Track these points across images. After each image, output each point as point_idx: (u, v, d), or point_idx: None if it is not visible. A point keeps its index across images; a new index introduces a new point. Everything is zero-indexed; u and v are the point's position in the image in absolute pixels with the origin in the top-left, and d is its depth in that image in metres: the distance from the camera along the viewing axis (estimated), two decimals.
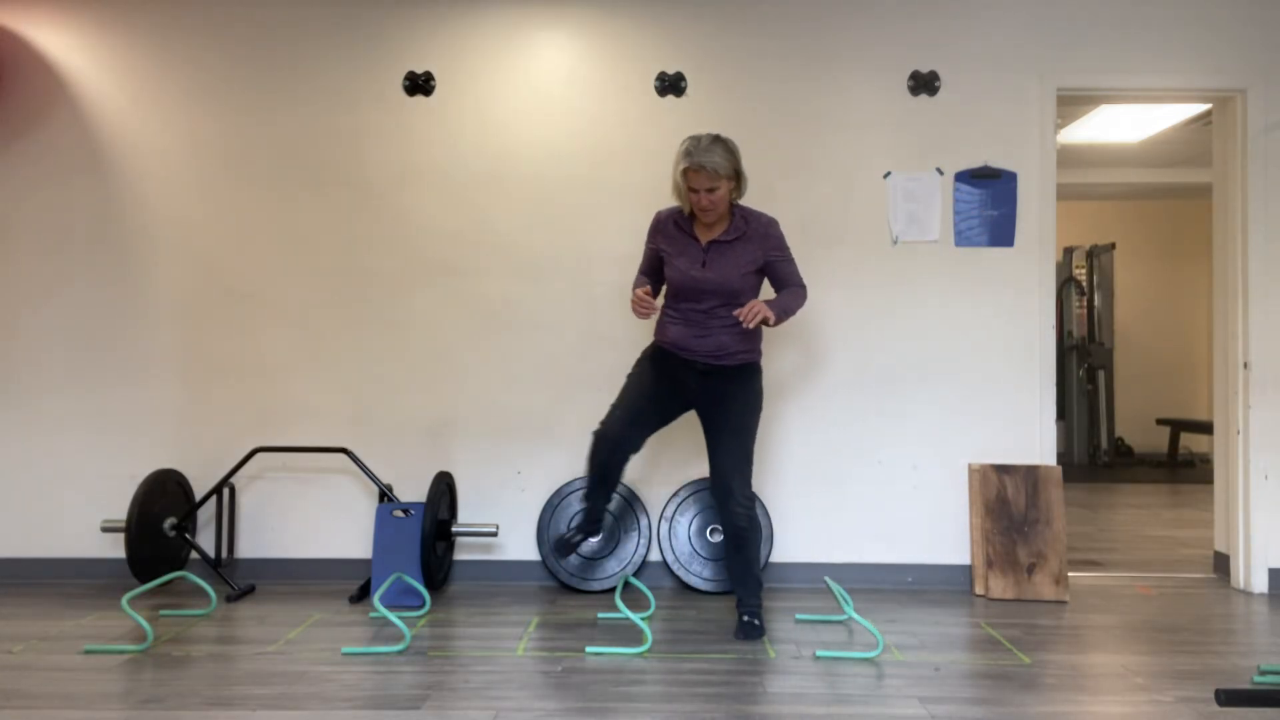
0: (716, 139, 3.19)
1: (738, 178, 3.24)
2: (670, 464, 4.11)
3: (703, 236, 3.29)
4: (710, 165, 3.11)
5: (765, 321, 3.14)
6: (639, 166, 4.13)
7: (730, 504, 3.29)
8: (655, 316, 3.32)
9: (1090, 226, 9.51)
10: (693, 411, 3.45)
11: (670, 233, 3.34)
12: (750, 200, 4.11)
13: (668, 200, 4.13)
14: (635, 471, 4.11)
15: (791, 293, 3.34)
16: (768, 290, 3.41)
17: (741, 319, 3.10)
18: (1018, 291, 4.09)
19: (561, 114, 4.15)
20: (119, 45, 4.18)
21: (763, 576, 3.50)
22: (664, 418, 3.47)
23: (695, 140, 3.17)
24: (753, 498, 3.36)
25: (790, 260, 3.37)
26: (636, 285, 3.36)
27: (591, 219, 4.14)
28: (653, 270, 3.43)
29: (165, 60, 4.17)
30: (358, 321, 4.14)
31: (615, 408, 3.41)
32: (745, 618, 3.34)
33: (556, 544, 3.59)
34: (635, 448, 3.44)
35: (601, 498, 3.52)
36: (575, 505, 4.03)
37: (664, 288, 3.43)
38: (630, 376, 3.45)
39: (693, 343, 3.28)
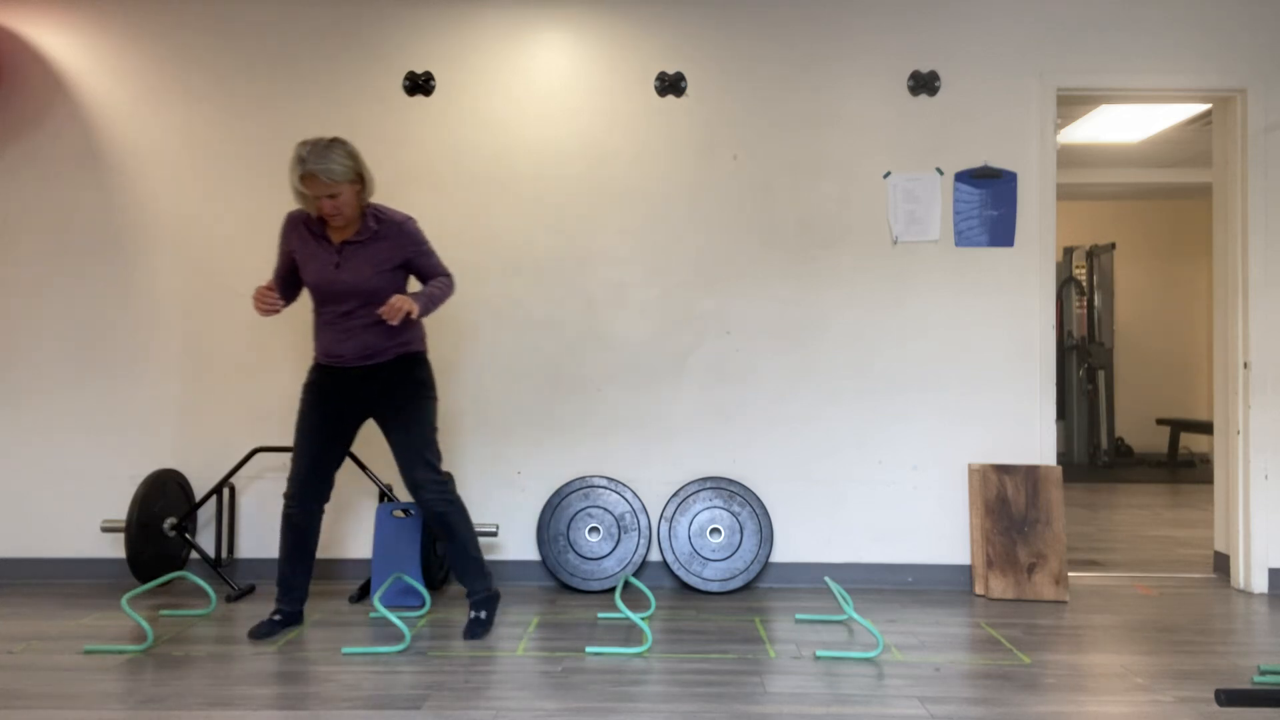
0: (332, 143, 3.09)
1: (363, 180, 3.18)
2: (670, 464, 4.11)
3: (335, 238, 3.22)
4: (324, 172, 3.04)
5: (412, 315, 3.10)
6: (639, 166, 4.13)
7: (422, 494, 3.25)
8: (280, 311, 3.22)
9: (1090, 226, 9.52)
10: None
11: (302, 235, 3.25)
12: (750, 200, 4.13)
13: (668, 201, 4.15)
14: (635, 471, 4.11)
15: (436, 283, 3.29)
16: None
17: (385, 316, 3.05)
18: (1018, 291, 4.09)
19: (561, 114, 4.15)
20: (119, 45, 4.18)
21: (483, 556, 3.39)
22: (344, 442, 3.35)
23: (309, 146, 3.07)
24: (443, 480, 3.29)
25: (430, 254, 3.32)
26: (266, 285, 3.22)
27: (591, 219, 4.14)
28: (288, 272, 3.33)
29: (165, 60, 4.17)
30: None
31: (295, 461, 3.29)
32: (473, 613, 3.32)
33: (255, 630, 3.24)
34: (325, 497, 3.34)
35: (302, 569, 3.34)
36: (576, 505, 4.03)
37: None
38: (298, 420, 3.30)
39: (340, 347, 3.23)
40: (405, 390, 3.30)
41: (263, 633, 3.24)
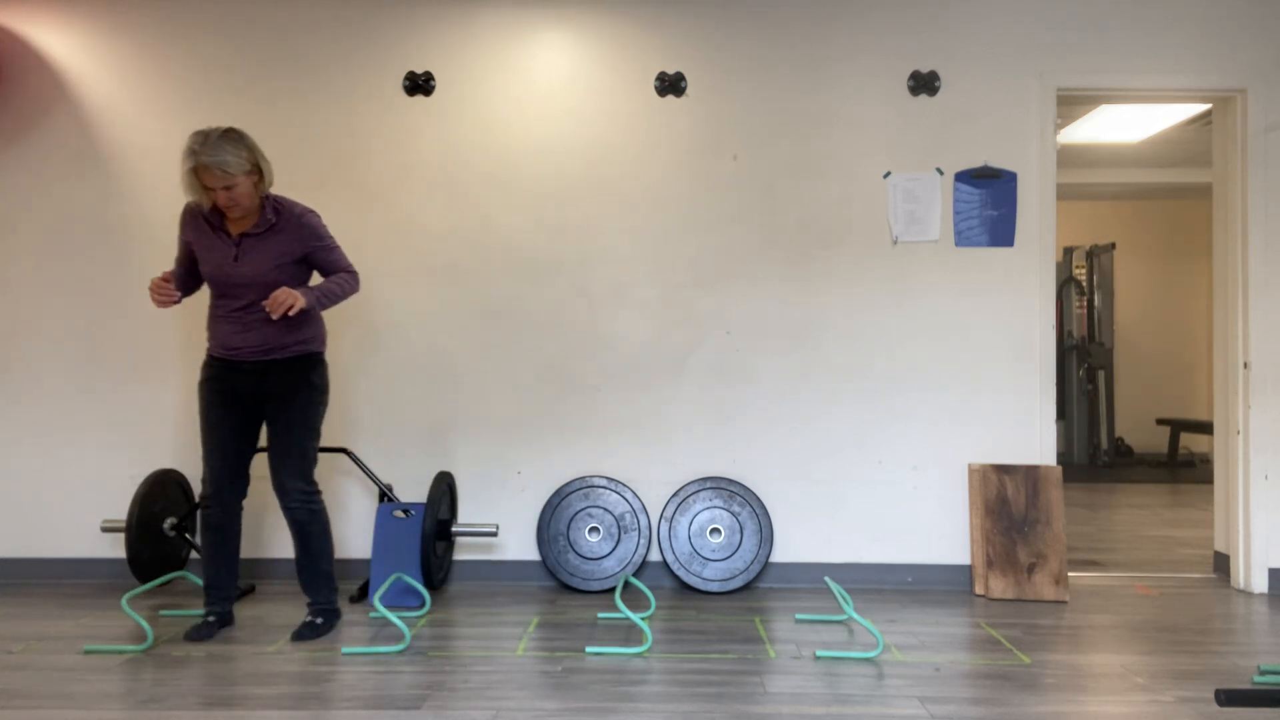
0: (226, 134, 3.05)
1: (260, 171, 3.15)
2: (670, 464, 4.11)
3: (233, 230, 3.18)
4: (217, 164, 2.99)
5: (293, 309, 3.04)
6: (639, 166, 4.13)
7: (286, 500, 3.22)
8: (179, 305, 3.21)
9: (1090, 226, 9.52)
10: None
11: (199, 226, 3.20)
12: (750, 199, 4.13)
13: (668, 201, 4.14)
14: (635, 471, 4.11)
15: (335, 279, 3.26)
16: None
17: (268, 309, 3.03)
18: (1018, 291, 4.09)
19: (561, 114, 4.15)
20: (119, 45, 4.18)
21: (334, 572, 3.38)
22: (251, 435, 3.30)
23: (201, 136, 3.02)
24: (312, 490, 3.27)
25: (332, 249, 3.29)
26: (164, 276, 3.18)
27: (591, 219, 4.14)
28: (187, 264, 3.29)
29: (165, 60, 4.17)
30: (358, 321, 4.14)
31: (206, 461, 3.25)
32: (309, 616, 3.30)
33: (191, 633, 3.21)
34: (243, 492, 3.30)
35: (228, 569, 3.31)
36: (576, 505, 4.03)
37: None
38: (201, 420, 3.26)
39: (236, 340, 3.19)
40: (296, 391, 3.25)
41: (200, 636, 3.20)
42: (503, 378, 4.14)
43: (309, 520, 3.28)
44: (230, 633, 3.31)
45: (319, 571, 3.34)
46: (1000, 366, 4.09)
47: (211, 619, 3.28)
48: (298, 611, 3.56)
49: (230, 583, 3.34)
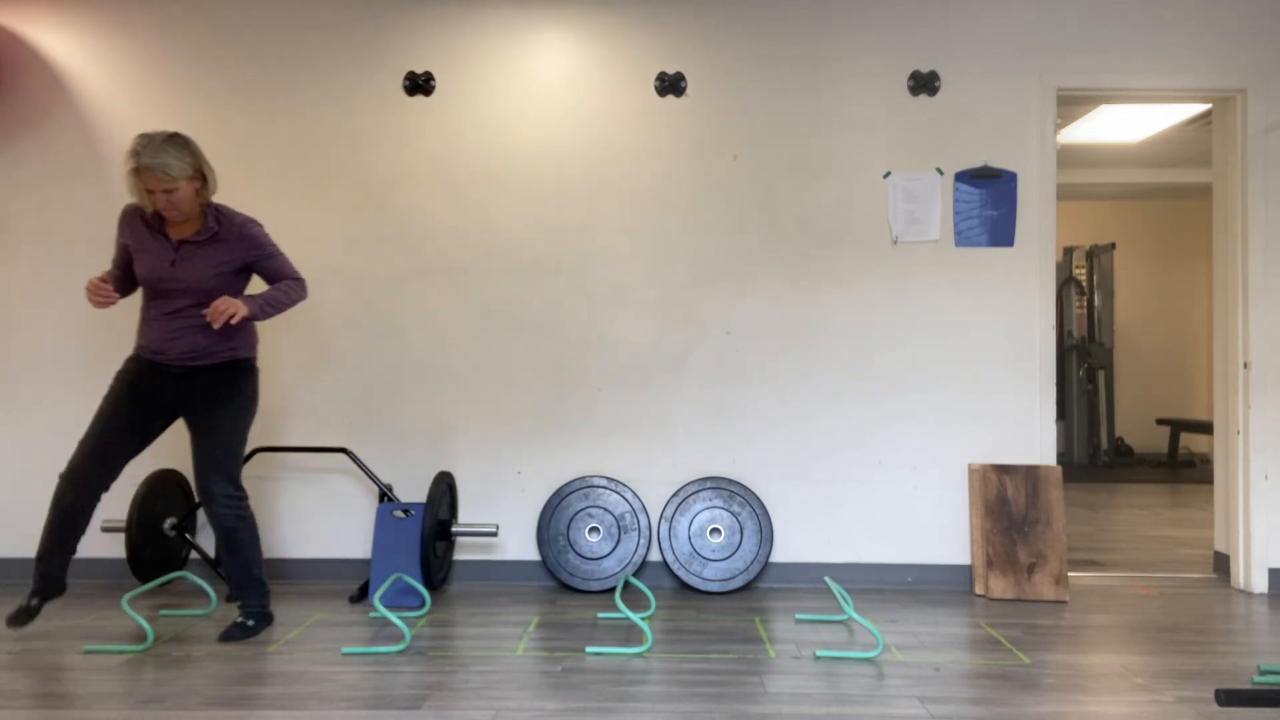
0: (171, 138, 3.05)
1: (203, 177, 3.15)
2: (670, 464, 4.11)
3: (173, 235, 3.17)
4: (159, 166, 2.99)
5: (234, 318, 3.04)
6: (639, 166, 4.13)
7: (214, 506, 3.18)
8: (115, 305, 3.18)
9: (1090, 226, 9.52)
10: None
11: (138, 228, 3.19)
12: (750, 199, 4.13)
13: (668, 201, 4.15)
14: (635, 471, 4.11)
15: (280, 286, 3.26)
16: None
17: (208, 318, 3.02)
18: (1018, 291, 4.09)
19: (561, 114, 4.15)
20: (119, 45, 4.18)
21: (265, 576, 3.35)
22: (144, 437, 3.27)
23: (145, 139, 3.03)
24: (239, 496, 3.23)
25: (275, 256, 3.28)
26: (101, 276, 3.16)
27: (591, 219, 4.14)
28: (124, 265, 3.27)
29: (165, 60, 4.17)
30: (357, 321, 4.14)
31: (83, 443, 3.17)
32: (240, 618, 3.27)
33: (14, 614, 3.14)
34: (105, 486, 3.21)
35: (59, 551, 3.20)
36: (576, 505, 4.03)
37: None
38: (103, 404, 3.22)
39: (166, 345, 3.17)
40: (224, 396, 3.23)
41: (22, 619, 3.16)
42: (503, 378, 4.14)
43: (237, 525, 3.23)
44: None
45: (250, 577, 3.30)
46: (1000, 366, 4.09)
47: (35, 602, 3.19)
48: (299, 611, 3.57)
49: (63, 569, 3.24)
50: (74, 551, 3.26)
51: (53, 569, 3.23)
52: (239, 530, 3.25)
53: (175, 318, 3.18)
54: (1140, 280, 9.65)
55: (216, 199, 3.24)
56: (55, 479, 4.10)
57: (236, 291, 3.24)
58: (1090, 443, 8.79)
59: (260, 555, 3.34)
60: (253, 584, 3.31)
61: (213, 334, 3.19)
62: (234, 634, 3.23)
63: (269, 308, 3.20)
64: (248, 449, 4.00)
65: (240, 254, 3.22)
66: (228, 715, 2.54)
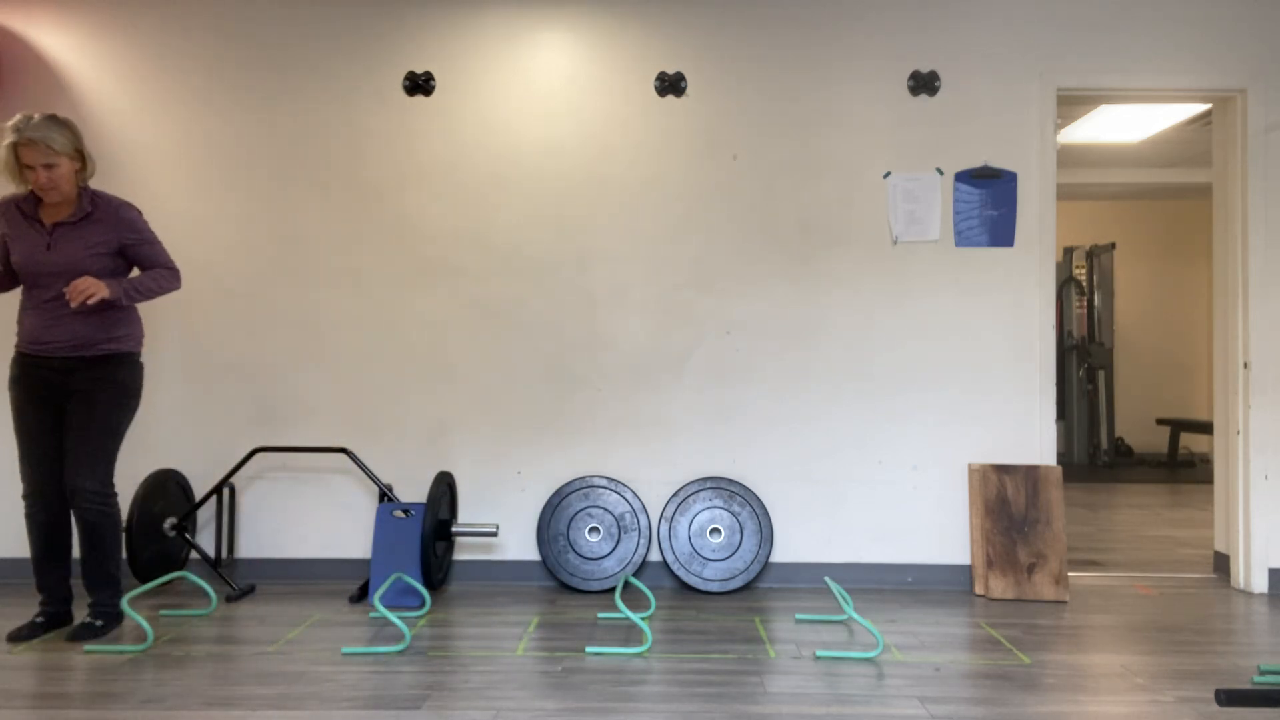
0: (52, 117, 3.10)
1: (83, 159, 3.17)
2: (670, 464, 4.11)
3: (48, 219, 3.17)
4: (42, 139, 3.02)
5: (93, 298, 3.00)
6: (639, 166, 4.13)
7: (78, 501, 3.15)
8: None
9: (1090, 226, 9.52)
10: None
11: (12, 216, 3.18)
12: (750, 199, 4.13)
13: (668, 201, 4.15)
14: (635, 471, 4.11)
15: (151, 274, 3.25)
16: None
17: (68, 295, 2.99)
18: (1018, 291, 4.09)
19: (561, 114, 4.15)
20: (119, 45, 4.18)
21: (120, 576, 3.32)
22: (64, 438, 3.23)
23: (26, 117, 3.06)
24: (105, 493, 3.19)
25: (151, 243, 3.29)
26: None
27: (591, 219, 4.14)
28: (4, 260, 3.24)
29: (165, 60, 4.17)
30: (358, 321, 4.14)
31: (22, 460, 3.21)
32: (90, 618, 3.23)
33: (15, 633, 3.18)
34: (64, 489, 3.21)
35: (57, 568, 3.26)
36: (576, 505, 4.03)
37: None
38: (15, 420, 3.22)
39: (45, 334, 3.15)
40: (101, 390, 3.20)
41: (23, 635, 3.18)
42: (503, 378, 4.14)
43: (100, 522, 3.20)
44: (231, 633, 3.31)
45: (104, 573, 3.27)
46: (1000, 366, 4.09)
47: (40, 619, 3.24)
48: (300, 611, 3.56)
49: (62, 581, 3.28)
50: (68, 562, 3.28)
51: (52, 585, 3.27)
52: (102, 527, 3.21)
53: (53, 304, 3.16)
54: (1140, 280, 9.65)
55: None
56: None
57: (111, 277, 3.21)
58: (1090, 443, 8.79)
59: (119, 554, 3.30)
60: (106, 581, 3.28)
61: (93, 322, 3.17)
62: (82, 634, 3.19)
63: (135, 293, 3.19)
64: (250, 448, 4.02)
65: (115, 236, 3.21)
66: (228, 715, 2.54)
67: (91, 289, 3.02)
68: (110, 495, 3.23)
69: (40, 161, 3.06)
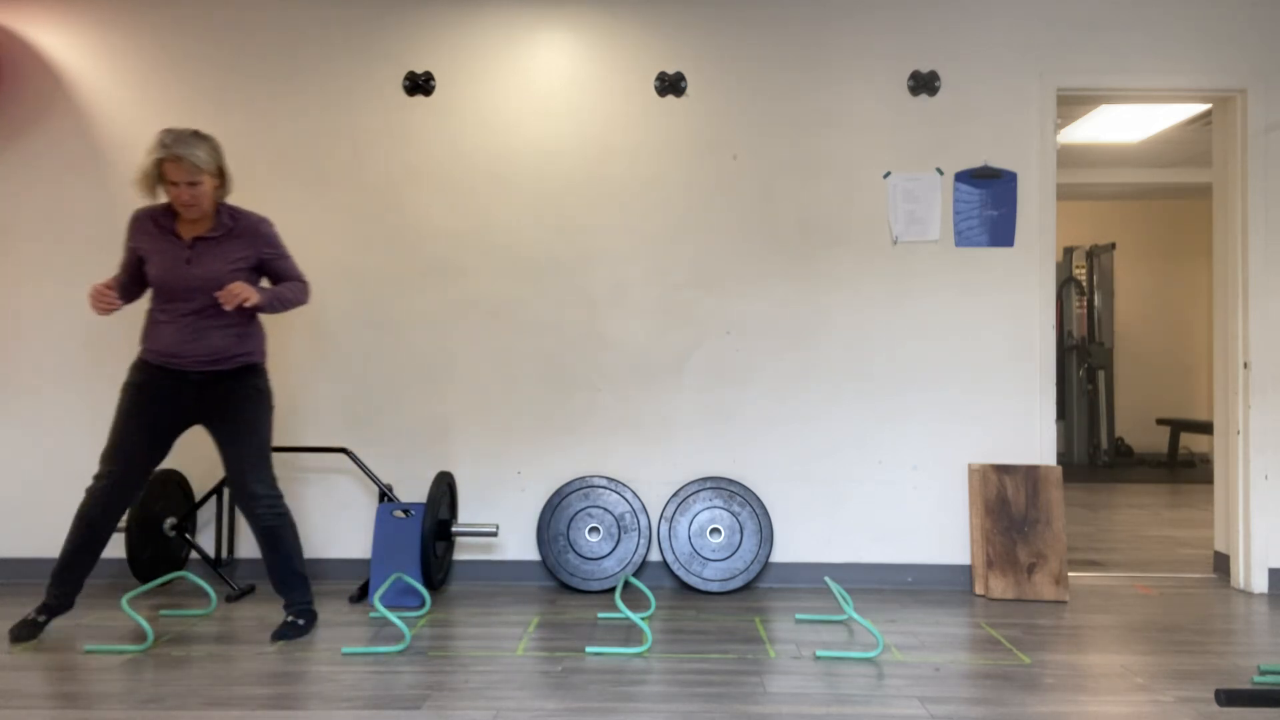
0: (197, 133, 3.10)
1: (222, 176, 3.17)
2: (670, 464, 4.11)
3: (186, 233, 3.17)
4: (189, 157, 3.02)
5: (247, 302, 3.04)
6: (639, 166, 4.13)
7: (255, 507, 3.21)
8: (125, 312, 3.17)
9: (1090, 226, 9.52)
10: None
11: (150, 231, 3.18)
12: (750, 199, 4.13)
13: (668, 201, 4.15)
14: (635, 471, 4.11)
15: (288, 286, 3.29)
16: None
17: (220, 300, 3.01)
18: (1018, 291, 4.09)
19: (561, 114, 4.15)
20: (119, 45, 4.18)
21: (307, 572, 3.39)
22: (164, 448, 3.26)
23: (172, 133, 3.06)
24: (276, 494, 3.27)
25: (286, 257, 3.32)
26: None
27: (591, 219, 4.14)
28: (132, 272, 3.23)
29: (165, 60, 4.17)
30: (358, 321, 4.14)
31: (105, 460, 3.17)
32: (290, 617, 3.29)
33: (17, 628, 3.14)
34: (130, 501, 3.23)
35: (78, 568, 3.20)
36: (576, 505, 4.03)
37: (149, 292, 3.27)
38: (118, 420, 3.19)
39: (184, 348, 3.15)
40: (246, 399, 3.24)
41: (25, 635, 3.16)
42: (503, 378, 4.14)
43: (278, 524, 3.26)
44: (231, 633, 3.30)
45: (294, 573, 3.33)
46: (1000, 366, 4.09)
47: (43, 618, 3.21)
48: None
49: (80, 582, 3.25)
50: (91, 569, 3.27)
51: (68, 587, 3.24)
52: (280, 528, 3.27)
53: (193, 318, 3.16)
54: (1140, 280, 9.65)
55: None
56: (55, 480, 4.12)
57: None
58: (1090, 443, 8.79)
59: (301, 551, 3.37)
60: (296, 580, 3.34)
61: (230, 336, 3.20)
62: (286, 633, 3.24)
63: (276, 303, 3.22)
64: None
65: (254, 250, 3.24)
66: (228, 715, 2.54)
67: (245, 294, 3.04)
68: (280, 497, 3.30)
69: (186, 179, 3.05)
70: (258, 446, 3.26)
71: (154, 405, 3.20)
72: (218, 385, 3.22)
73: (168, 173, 3.06)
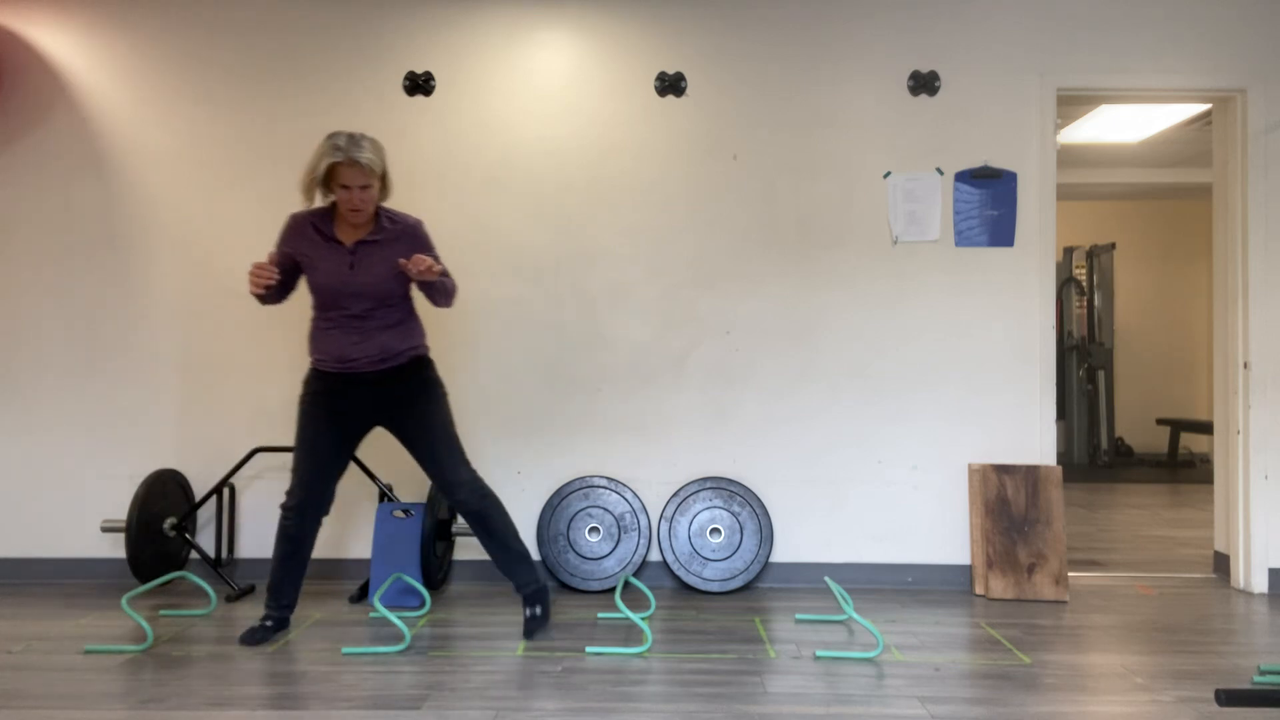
0: (365, 136, 3.06)
1: (384, 179, 3.14)
2: (670, 464, 4.11)
3: (347, 238, 3.13)
4: (365, 160, 2.98)
5: (434, 269, 3.00)
6: (639, 166, 4.13)
7: (458, 494, 3.21)
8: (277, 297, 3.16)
9: (1090, 226, 9.52)
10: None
11: (310, 236, 3.14)
12: (750, 199, 4.13)
13: (668, 201, 4.15)
14: (635, 471, 4.11)
15: (449, 279, 3.27)
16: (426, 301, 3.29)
17: (408, 267, 2.97)
18: (1018, 291, 4.09)
19: (561, 114, 4.15)
20: (119, 46, 4.18)
21: (524, 548, 3.35)
22: (349, 452, 3.30)
23: (345, 136, 3.02)
24: (475, 478, 3.26)
25: (438, 256, 3.28)
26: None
27: (591, 219, 4.14)
28: (284, 275, 3.18)
29: (165, 61, 4.17)
30: None
31: (297, 471, 3.21)
32: (527, 610, 3.30)
33: (246, 635, 3.19)
34: (326, 510, 3.28)
35: (294, 578, 3.27)
36: (576, 505, 4.03)
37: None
38: (301, 431, 3.21)
39: (353, 350, 3.12)
40: (424, 393, 3.24)
41: (256, 639, 3.18)
42: (503, 378, 4.14)
43: (484, 507, 3.25)
44: (231, 633, 3.30)
45: (511, 552, 3.31)
46: (1000, 366, 4.09)
47: (269, 623, 3.24)
48: (299, 611, 3.54)
49: (295, 591, 3.29)
50: (303, 577, 3.30)
51: (285, 599, 3.27)
52: (487, 510, 3.26)
53: (360, 321, 3.14)
54: (1140, 280, 9.64)
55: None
56: (54, 480, 4.12)
57: (408, 295, 3.24)
58: (1090, 443, 8.79)
59: (514, 528, 3.35)
60: (516, 558, 3.31)
61: (398, 334, 3.18)
62: (533, 629, 3.27)
63: (448, 281, 3.20)
64: (250, 448, 4.02)
65: (411, 253, 3.17)
66: (228, 715, 2.54)
67: (430, 262, 3.00)
68: (479, 479, 3.28)
69: (359, 183, 3.01)
70: (444, 436, 3.24)
71: (333, 412, 3.20)
72: (392, 383, 3.20)
73: (340, 176, 3.00)
